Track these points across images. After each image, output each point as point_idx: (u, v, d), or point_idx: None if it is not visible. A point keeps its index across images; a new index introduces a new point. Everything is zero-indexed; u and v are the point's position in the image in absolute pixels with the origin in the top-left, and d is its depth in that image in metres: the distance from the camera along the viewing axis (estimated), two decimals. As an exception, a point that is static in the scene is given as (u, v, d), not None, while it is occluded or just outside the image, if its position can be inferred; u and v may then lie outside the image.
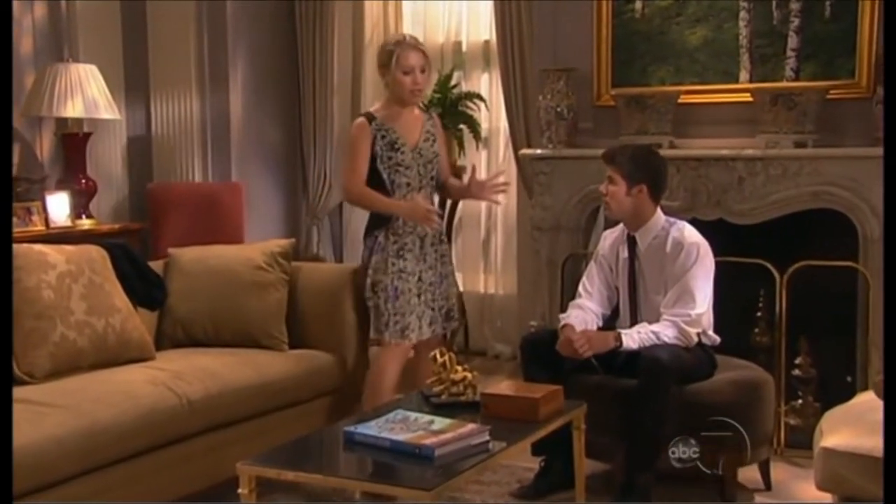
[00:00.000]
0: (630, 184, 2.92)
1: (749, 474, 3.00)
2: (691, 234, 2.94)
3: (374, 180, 3.05)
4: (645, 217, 2.96)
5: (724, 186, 3.63)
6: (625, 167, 2.93)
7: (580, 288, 3.09)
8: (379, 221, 3.07)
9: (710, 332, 2.94)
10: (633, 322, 2.95)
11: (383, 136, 3.05)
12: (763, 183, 3.57)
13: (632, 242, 3.00)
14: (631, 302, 3.00)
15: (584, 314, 2.98)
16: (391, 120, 3.07)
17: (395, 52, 3.02)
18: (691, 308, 2.85)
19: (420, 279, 3.09)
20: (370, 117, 3.07)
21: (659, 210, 2.99)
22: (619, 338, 2.81)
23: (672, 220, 3.01)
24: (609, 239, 3.10)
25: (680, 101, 3.82)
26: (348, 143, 3.11)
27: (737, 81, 3.77)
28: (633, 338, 2.81)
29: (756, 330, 3.59)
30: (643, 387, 2.72)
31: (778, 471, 3.08)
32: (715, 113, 3.81)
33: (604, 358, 2.85)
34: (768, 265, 3.40)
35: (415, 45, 3.05)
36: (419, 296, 3.07)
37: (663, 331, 2.82)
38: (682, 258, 2.89)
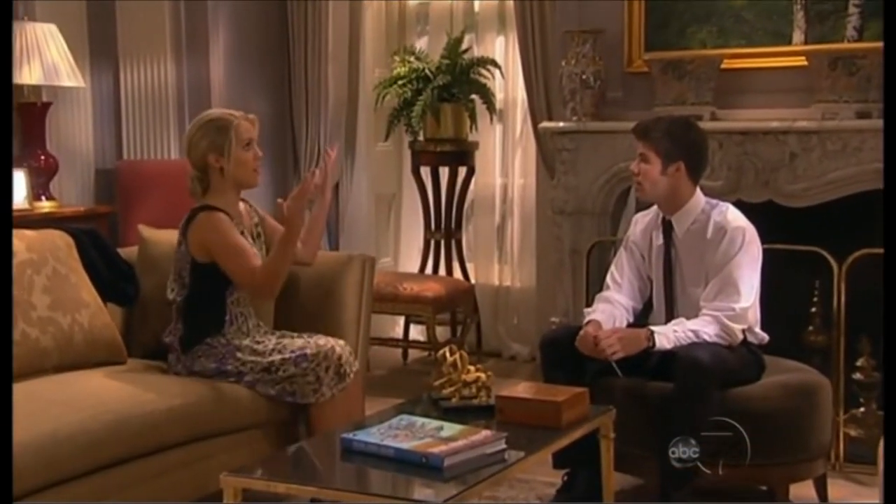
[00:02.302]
0: (665, 162, 2.93)
1: (803, 491, 3.01)
2: (735, 217, 2.95)
3: (211, 285, 2.89)
4: (682, 199, 2.97)
5: (774, 164, 3.64)
6: (659, 143, 2.93)
7: (608, 279, 3.11)
8: (206, 327, 2.90)
9: (757, 329, 2.95)
10: (669, 317, 2.97)
11: (240, 234, 2.91)
12: (819, 159, 3.57)
13: (667, 227, 3.01)
14: (666, 295, 3.02)
15: (612, 308, 2.99)
16: (236, 215, 2.94)
17: (231, 124, 2.89)
18: (735, 301, 2.85)
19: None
20: (222, 211, 2.90)
21: (698, 191, 3.00)
22: (651, 337, 2.82)
23: (713, 201, 3.01)
24: (641, 223, 3.11)
25: (723, 66, 3.82)
26: (219, 240, 2.85)
27: (790, 43, 3.77)
28: (668, 336, 2.82)
29: (810, 328, 3.59)
30: (680, 391, 2.74)
31: (836, 488, 3.09)
32: (764, 80, 3.82)
33: (633, 359, 2.86)
34: (824, 253, 3.41)
35: (245, 115, 2.96)
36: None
37: (703, 328, 2.83)
38: (725, 245, 2.90)
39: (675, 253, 3.00)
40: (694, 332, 2.83)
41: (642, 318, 3.09)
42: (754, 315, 2.93)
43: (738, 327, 2.86)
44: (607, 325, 2.92)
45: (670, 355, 2.80)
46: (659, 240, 3.03)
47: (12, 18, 3.65)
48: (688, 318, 2.90)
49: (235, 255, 2.86)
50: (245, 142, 2.93)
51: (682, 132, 2.97)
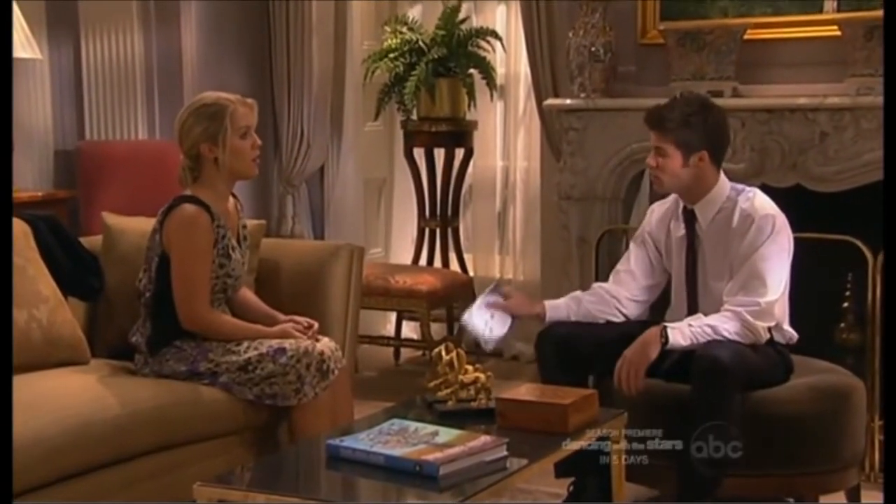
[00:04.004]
0: (686, 153, 2.90)
1: (834, 502, 3.02)
2: (763, 203, 2.94)
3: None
4: (706, 187, 2.95)
5: (803, 145, 3.64)
6: (678, 134, 2.89)
7: (613, 271, 3.12)
8: (175, 328, 2.90)
9: (786, 326, 2.95)
10: (690, 315, 2.96)
11: (223, 237, 2.92)
12: (852, 139, 3.58)
13: (690, 217, 3.00)
14: (688, 291, 3.01)
15: (580, 298, 3.05)
16: (223, 213, 2.94)
17: (227, 111, 2.88)
18: (761, 295, 2.85)
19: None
20: (205, 206, 2.89)
21: (722, 175, 2.99)
22: (664, 333, 2.81)
23: (739, 186, 3.00)
24: (657, 213, 3.10)
25: (746, 37, 3.82)
26: (184, 242, 2.87)
27: (820, 11, 3.78)
28: (684, 332, 2.81)
29: (842, 325, 3.60)
30: (699, 394, 2.74)
31: (870, 499, 3.09)
32: (791, 52, 3.82)
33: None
34: (858, 243, 3.41)
35: (241, 100, 2.95)
36: None
37: (722, 324, 2.82)
38: (753, 234, 2.88)
39: (699, 244, 2.99)
40: (712, 327, 2.82)
41: (658, 315, 3.10)
42: (782, 311, 2.93)
43: (762, 325, 2.85)
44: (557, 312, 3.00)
45: (687, 355, 2.80)
46: (680, 231, 3.02)
47: (12, 17, 3.63)
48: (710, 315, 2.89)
49: (189, 283, 2.87)
50: (242, 130, 2.92)
51: (700, 117, 2.92)
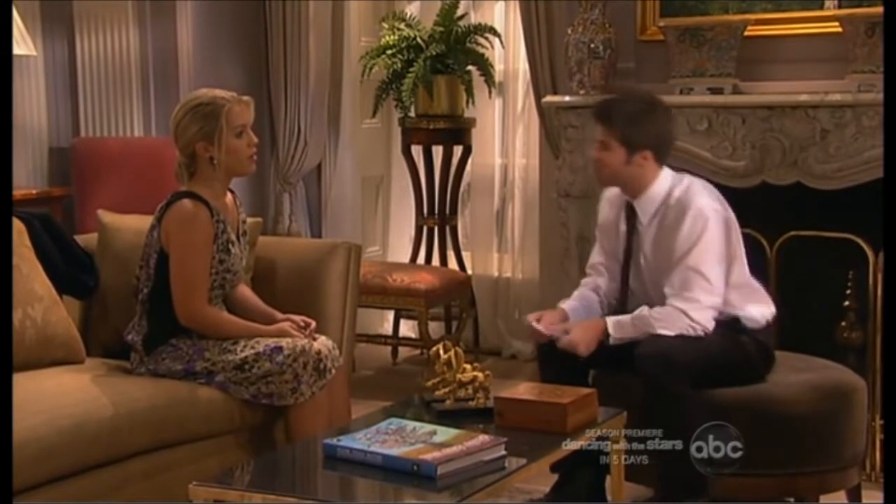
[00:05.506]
0: (630, 151, 2.89)
1: (835, 501, 3.03)
2: (698, 193, 2.91)
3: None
4: (646, 183, 2.94)
5: (804, 142, 3.64)
6: (622, 130, 2.89)
7: (588, 265, 3.14)
8: (172, 326, 2.89)
9: (752, 310, 2.91)
10: (622, 309, 2.98)
11: (222, 231, 2.93)
12: (854, 137, 3.58)
13: (631, 213, 3.00)
14: (621, 283, 3.02)
15: (589, 295, 3.04)
16: (221, 208, 2.95)
17: (222, 110, 2.87)
18: (701, 292, 2.82)
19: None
20: (204, 202, 2.89)
21: (664, 171, 2.96)
22: (605, 328, 2.85)
23: (679, 176, 2.98)
24: (608, 202, 3.10)
25: (747, 33, 3.82)
26: (183, 238, 2.86)
27: (821, 7, 3.78)
28: (624, 326, 2.84)
29: (843, 323, 3.60)
30: (649, 394, 2.74)
31: (871, 499, 3.09)
32: (792, 48, 3.82)
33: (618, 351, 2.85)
34: (860, 241, 3.42)
35: (237, 98, 2.94)
36: None
37: (665, 323, 2.81)
38: (687, 228, 2.85)
39: (638, 240, 2.98)
40: (653, 325, 2.82)
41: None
42: (744, 296, 2.91)
43: (707, 320, 2.83)
44: (576, 314, 2.98)
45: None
46: (623, 224, 3.02)
47: (12, 17, 3.63)
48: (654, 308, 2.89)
49: (187, 279, 2.87)
50: (237, 128, 2.92)
51: (647, 115, 2.92)
